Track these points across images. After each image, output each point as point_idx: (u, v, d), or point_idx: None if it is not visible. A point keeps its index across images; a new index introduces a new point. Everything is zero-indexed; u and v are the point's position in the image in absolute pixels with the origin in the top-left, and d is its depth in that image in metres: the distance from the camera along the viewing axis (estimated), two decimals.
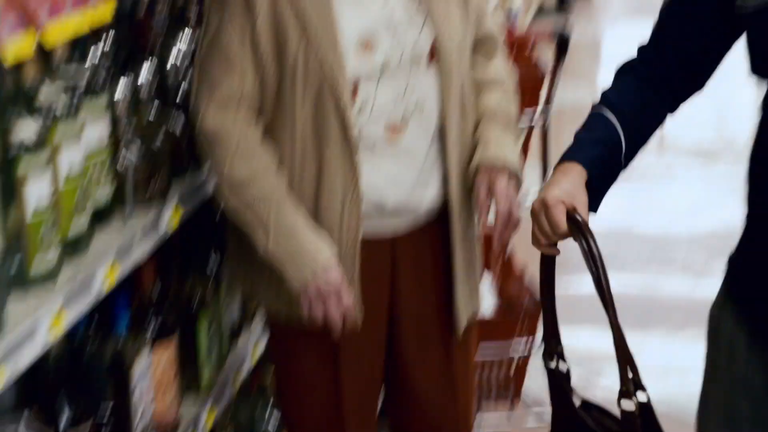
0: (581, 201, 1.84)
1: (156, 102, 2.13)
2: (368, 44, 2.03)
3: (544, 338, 1.93)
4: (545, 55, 3.60)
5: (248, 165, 2.04)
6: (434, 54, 2.08)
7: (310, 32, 1.99)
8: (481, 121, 2.19)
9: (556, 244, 1.87)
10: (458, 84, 2.12)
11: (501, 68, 2.27)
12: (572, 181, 1.85)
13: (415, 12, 2.08)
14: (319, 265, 2.01)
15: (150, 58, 2.16)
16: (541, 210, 1.84)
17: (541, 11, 8.36)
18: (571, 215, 1.82)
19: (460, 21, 2.12)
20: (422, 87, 2.08)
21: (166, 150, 2.13)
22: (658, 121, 1.96)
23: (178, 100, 2.23)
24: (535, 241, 1.88)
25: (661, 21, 1.93)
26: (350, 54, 2.01)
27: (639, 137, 1.93)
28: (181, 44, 2.27)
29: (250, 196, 2.03)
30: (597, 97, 1.92)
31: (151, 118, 2.11)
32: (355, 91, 2.03)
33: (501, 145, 2.14)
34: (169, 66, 2.23)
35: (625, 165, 1.92)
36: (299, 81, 2.01)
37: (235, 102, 2.04)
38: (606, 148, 1.89)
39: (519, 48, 3.54)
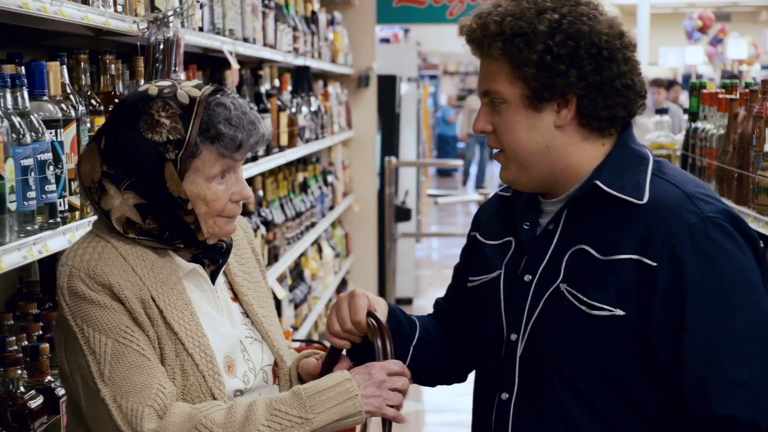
0: (383, 311, 2.06)
1: None
2: (230, 366, 2.09)
3: None
4: None
5: (217, 406, 1.96)
6: (275, 373, 2.18)
7: (188, 349, 2.00)
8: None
9: (348, 339, 2.03)
10: None
11: None
12: (377, 298, 2.08)
13: (253, 334, 2.17)
14: (353, 382, 1.96)
15: None
16: (345, 299, 2.04)
17: None
18: (372, 312, 2.02)
19: (284, 338, 2.24)
20: None
21: None
22: (445, 356, 2.19)
23: None
24: (330, 329, 2.04)
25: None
26: (222, 373, 2.05)
27: (427, 344, 2.15)
28: None
29: (245, 409, 1.93)
30: None
31: None
32: None
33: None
34: None
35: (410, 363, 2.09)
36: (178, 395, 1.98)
37: (170, 401, 1.95)
38: (405, 316, 2.14)
39: None
